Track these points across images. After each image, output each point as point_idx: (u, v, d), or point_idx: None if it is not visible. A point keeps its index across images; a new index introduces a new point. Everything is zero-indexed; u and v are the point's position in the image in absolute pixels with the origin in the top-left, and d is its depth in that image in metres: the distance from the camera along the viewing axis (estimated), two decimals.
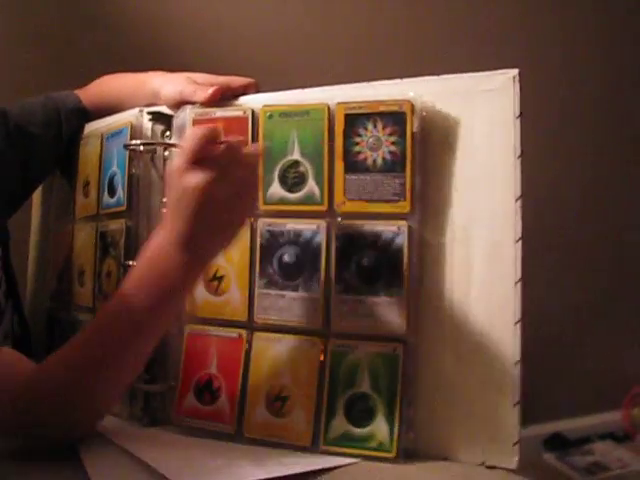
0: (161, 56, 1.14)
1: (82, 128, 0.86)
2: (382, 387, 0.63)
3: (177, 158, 0.61)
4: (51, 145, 0.84)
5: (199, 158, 0.60)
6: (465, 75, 0.64)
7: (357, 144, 0.65)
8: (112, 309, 0.63)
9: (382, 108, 0.65)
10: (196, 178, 0.59)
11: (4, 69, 1.08)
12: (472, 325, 0.62)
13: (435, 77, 0.65)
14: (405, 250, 0.63)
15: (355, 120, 0.65)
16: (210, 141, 0.61)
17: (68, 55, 1.13)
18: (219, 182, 0.59)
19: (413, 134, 0.64)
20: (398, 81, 0.66)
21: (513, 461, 0.60)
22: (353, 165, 0.65)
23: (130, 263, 0.72)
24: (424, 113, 0.64)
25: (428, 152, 0.64)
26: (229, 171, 0.60)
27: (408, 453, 0.62)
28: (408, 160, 0.64)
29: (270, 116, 0.70)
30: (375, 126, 0.65)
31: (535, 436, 1.54)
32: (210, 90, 0.72)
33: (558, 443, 1.61)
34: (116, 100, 0.82)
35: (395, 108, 0.64)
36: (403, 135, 0.64)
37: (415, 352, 0.63)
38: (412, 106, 0.64)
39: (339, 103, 0.66)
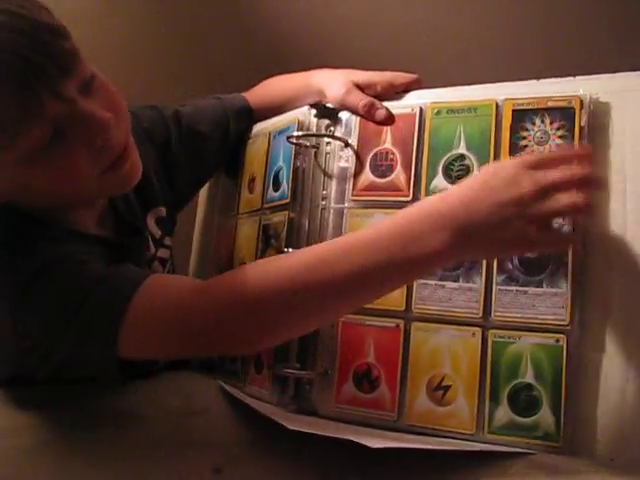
0: (315, 53, 1.19)
1: (249, 128, 0.90)
2: (546, 378, 0.62)
3: (528, 156, 0.61)
4: (219, 143, 0.89)
5: (540, 166, 0.58)
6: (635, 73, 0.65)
7: (524, 138, 0.67)
8: (361, 243, 0.60)
9: (550, 104, 0.66)
10: (529, 186, 0.57)
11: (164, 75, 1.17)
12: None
13: (606, 75, 0.66)
14: None
15: (522, 115, 0.67)
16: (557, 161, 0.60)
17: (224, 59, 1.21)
18: (541, 205, 0.57)
19: (581, 128, 0.64)
20: (567, 79, 0.67)
21: None
22: None
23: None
24: (592, 108, 0.65)
25: (593, 145, 0.64)
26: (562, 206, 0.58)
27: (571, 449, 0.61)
28: None
29: (438, 112, 0.72)
30: (542, 121, 0.66)
31: None
32: (379, 114, 0.74)
33: None
34: (282, 100, 0.86)
35: (564, 104, 0.66)
36: (571, 129, 0.65)
37: (578, 345, 0.62)
38: (581, 102, 0.65)
39: (507, 99, 0.68)
